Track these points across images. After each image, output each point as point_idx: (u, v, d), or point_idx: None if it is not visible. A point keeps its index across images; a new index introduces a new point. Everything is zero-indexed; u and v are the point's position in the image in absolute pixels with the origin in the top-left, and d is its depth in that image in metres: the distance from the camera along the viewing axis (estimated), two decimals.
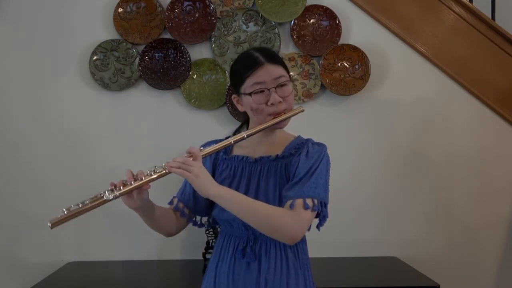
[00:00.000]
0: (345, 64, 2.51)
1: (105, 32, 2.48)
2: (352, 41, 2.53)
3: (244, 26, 2.51)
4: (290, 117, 1.42)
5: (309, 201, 1.30)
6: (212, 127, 2.51)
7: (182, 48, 2.48)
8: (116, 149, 2.50)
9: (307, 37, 2.52)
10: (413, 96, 2.57)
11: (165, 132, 2.51)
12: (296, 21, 2.51)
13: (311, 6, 2.52)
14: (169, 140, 2.51)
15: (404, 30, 2.56)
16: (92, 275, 2.32)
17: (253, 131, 1.39)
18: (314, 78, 2.51)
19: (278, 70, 1.39)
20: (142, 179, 1.30)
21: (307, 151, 1.39)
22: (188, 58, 2.48)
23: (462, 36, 2.58)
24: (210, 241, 2.44)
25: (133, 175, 1.31)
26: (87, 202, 1.28)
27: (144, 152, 2.50)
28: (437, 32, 2.57)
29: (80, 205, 1.28)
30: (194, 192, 1.46)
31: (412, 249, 2.57)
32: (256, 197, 1.37)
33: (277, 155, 1.43)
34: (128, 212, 1.39)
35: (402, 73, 2.57)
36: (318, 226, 1.40)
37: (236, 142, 1.39)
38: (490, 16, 2.82)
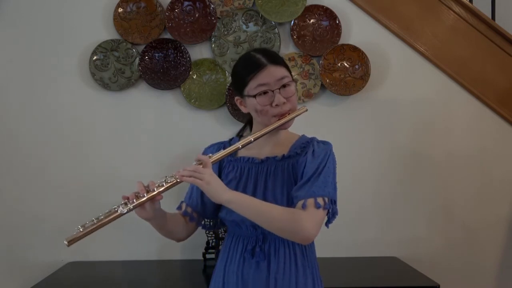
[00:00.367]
0: (345, 64, 2.51)
1: (105, 32, 2.48)
2: (352, 41, 2.53)
3: (244, 26, 2.51)
4: (295, 117, 1.43)
5: (320, 200, 1.32)
6: (212, 127, 2.51)
7: (182, 48, 2.48)
8: (116, 149, 2.50)
9: (307, 37, 2.52)
10: (413, 96, 2.57)
11: (165, 132, 2.51)
12: (296, 21, 2.51)
13: (311, 6, 2.52)
14: (169, 140, 2.51)
15: (404, 30, 2.56)
16: (92, 275, 2.33)
17: (259, 134, 1.41)
18: (314, 78, 2.51)
19: (281, 71, 1.40)
20: (154, 190, 1.30)
21: (313, 150, 1.40)
22: (188, 58, 2.48)
23: (462, 36, 2.58)
24: (210, 241, 2.45)
25: (144, 187, 1.31)
26: (102, 217, 1.28)
27: (144, 152, 2.50)
28: (437, 32, 2.57)
29: (95, 221, 1.27)
30: (202, 196, 1.48)
31: (412, 249, 2.57)
32: (264, 197, 1.38)
33: (283, 155, 1.44)
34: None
35: (402, 73, 2.57)
36: (327, 224, 1.41)
37: (244, 146, 1.40)
38: (490, 16, 2.82)
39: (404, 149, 2.57)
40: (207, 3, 2.47)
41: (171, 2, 2.47)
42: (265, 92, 1.38)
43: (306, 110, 1.46)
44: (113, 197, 2.36)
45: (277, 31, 2.51)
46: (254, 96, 1.38)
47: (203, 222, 1.55)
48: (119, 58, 2.47)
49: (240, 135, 1.58)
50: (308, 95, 2.50)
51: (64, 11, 2.48)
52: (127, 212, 1.28)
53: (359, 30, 2.55)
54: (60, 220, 2.45)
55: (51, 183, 2.47)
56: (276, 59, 1.42)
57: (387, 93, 2.57)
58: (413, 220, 2.58)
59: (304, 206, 1.31)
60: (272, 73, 1.38)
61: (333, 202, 1.36)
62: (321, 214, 1.33)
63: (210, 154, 1.39)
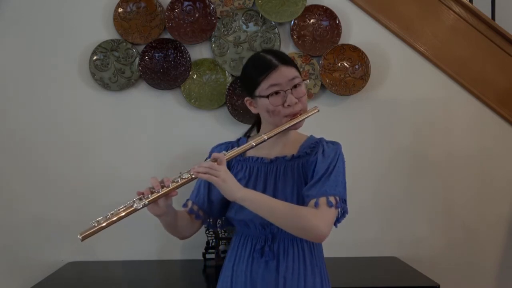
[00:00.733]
0: (345, 64, 2.51)
1: (105, 32, 2.48)
2: (352, 41, 2.53)
3: (244, 26, 2.51)
4: (306, 117, 1.45)
5: (332, 199, 1.34)
6: (212, 127, 2.51)
7: (182, 48, 2.48)
8: (116, 149, 2.50)
9: (307, 37, 2.52)
10: (413, 96, 2.57)
11: (165, 132, 2.51)
12: (296, 21, 2.51)
13: (311, 6, 2.52)
14: (169, 140, 2.51)
15: (404, 30, 2.56)
16: (92, 275, 2.33)
17: (273, 133, 1.41)
18: (314, 78, 2.51)
19: (292, 72, 1.42)
20: (169, 186, 1.30)
21: (323, 150, 1.42)
22: (188, 58, 2.48)
23: (462, 36, 2.58)
24: (210, 241, 2.45)
25: (159, 182, 1.31)
26: (117, 212, 1.28)
27: (144, 152, 2.50)
28: (437, 32, 2.57)
29: (109, 216, 1.27)
30: (209, 194, 1.49)
31: (412, 249, 2.57)
32: (274, 197, 1.38)
33: (293, 155, 1.45)
34: None
35: (402, 73, 2.57)
36: (335, 223, 1.41)
37: (257, 144, 1.40)
38: (490, 16, 2.82)
39: (404, 149, 2.57)
40: (207, 3, 2.47)
41: (171, 2, 2.47)
42: (277, 93, 1.39)
43: (318, 111, 1.48)
44: (113, 197, 2.38)
45: (277, 31, 2.51)
46: (267, 97, 1.40)
47: (209, 220, 1.55)
48: (119, 58, 2.47)
49: (247, 136, 1.58)
50: (308, 95, 2.49)
51: (64, 11, 2.48)
52: (142, 207, 1.28)
53: (359, 30, 2.55)
54: (60, 220, 2.45)
55: (51, 183, 2.47)
56: (287, 60, 1.44)
57: (387, 93, 2.57)
58: (413, 220, 2.58)
59: (316, 205, 1.32)
60: (283, 74, 1.40)
61: (343, 201, 1.38)
62: (333, 213, 1.35)
63: (225, 152, 1.39)
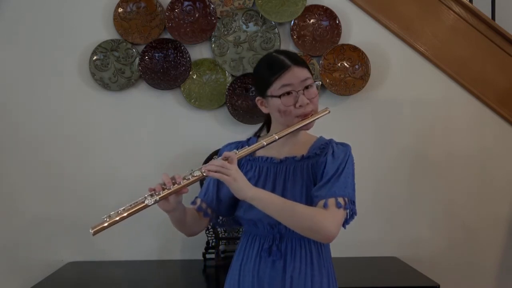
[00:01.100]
0: (345, 64, 2.51)
1: (105, 32, 2.48)
2: (352, 41, 2.53)
3: (244, 26, 2.51)
4: (317, 118, 1.45)
5: (341, 200, 1.34)
6: (212, 127, 2.51)
7: (182, 48, 2.48)
8: (116, 149, 2.50)
9: (307, 37, 2.52)
10: (413, 96, 2.57)
11: (165, 132, 2.51)
12: (296, 21, 2.51)
13: (311, 6, 2.52)
14: (169, 140, 2.51)
15: (404, 30, 2.55)
16: (92, 275, 2.33)
17: (284, 133, 1.42)
18: (314, 78, 2.49)
19: (304, 72, 1.42)
20: (180, 183, 1.31)
21: (333, 151, 1.42)
22: (188, 58, 2.48)
23: (462, 36, 2.58)
24: (210, 241, 2.45)
25: (170, 179, 1.32)
26: (128, 207, 1.29)
27: (144, 152, 2.50)
28: (437, 32, 2.57)
29: (120, 211, 1.28)
30: (218, 192, 1.49)
31: (412, 249, 2.57)
32: (283, 197, 1.39)
33: (303, 155, 1.46)
34: None
35: (402, 73, 2.57)
36: (344, 225, 1.42)
37: (268, 144, 1.41)
38: (490, 16, 2.82)
39: (404, 149, 2.57)
40: (207, 3, 2.47)
41: (171, 2, 2.47)
42: (289, 93, 1.40)
43: (329, 112, 1.49)
44: (113, 196, 2.39)
45: (277, 31, 2.51)
46: (279, 97, 1.40)
47: (219, 220, 1.55)
48: (119, 58, 2.47)
49: (257, 135, 1.59)
50: None
51: (64, 11, 2.48)
52: (154, 203, 1.29)
53: (359, 30, 2.55)
54: (60, 220, 2.46)
55: (51, 183, 2.47)
56: (300, 61, 1.44)
57: (387, 93, 2.57)
58: (413, 220, 2.58)
59: (325, 206, 1.33)
60: (296, 74, 1.40)
61: (352, 202, 1.39)
62: (342, 214, 1.35)
63: (236, 151, 1.40)
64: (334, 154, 1.41)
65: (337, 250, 2.48)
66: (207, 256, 2.44)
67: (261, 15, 2.49)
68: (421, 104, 2.57)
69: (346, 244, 2.54)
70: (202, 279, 2.33)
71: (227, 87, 2.49)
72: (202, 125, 2.51)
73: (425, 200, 2.58)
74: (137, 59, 2.46)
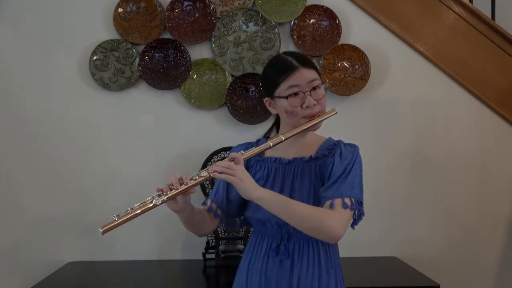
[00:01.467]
0: (345, 64, 2.51)
1: (105, 32, 2.48)
2: (352, 41, 2.53)
3: (244, 26, 2.51)
4: (324, 119, 1.45)
5: (347, 201, 1.35)
6: (212, 127, 2.51)
7: (182, 48, 2.48)
8: (116, 149, 2.50)
9: (307, 37, 2.52)
10: (413, 96, 2.57)
11: (165, 132, 2.51)
12: (296, 21, 2.51)
13: (311, 6, 2.52)
14: (169, 140, 2.51)
15: (404, 30, 2.55)
16: (92, 275, 2.33)
17: (290, 134, 1.42)
18: None
19: (311, 74, 1.42)
20: (187, 184, 1.32)
21: (341, 152, 1.43)
22: (188, 58, 2.48)
23: (462, 36, 2.58)
24: (210, 241, 2.45)
25: (178, 179, 1.33)
26: (137, 207, 1.30)
27: (144, 152, 2.50)
28: (437, 32, 2.57)
29: (129, 211, 1.30)
30: (228, 193, 1.51)
31: (412, 249, 2.56)
32: (291, 197, 1.40)
33: (311, 156, 1.46)
34: None
35: (402, 73, 2.57)
36: (352, 225, 1.42)
37: (275, 145, 1.41)
38: (490, 16, 2.82)
39: (404, 149, 2.57)
40: (207, 3, 2.47)
41: (171, 2, 2.47)
42: (296, 94, 1.41)
43: (336, 113, 1.49)
44: (113, 196, 2.39)
45: (277, 31, 2.51)
46: (286, 97, 1.41)
47: (236, 220, 1.57)
48: (119, 58, 2.47)
49: (267, 136, 1.59)
50: None
51: (64, 11, 2.48)
52: (161, 203, 1.31)
53: (359, 30, 2.55)
54: (60, 220, 2.46)
55: (51, 183, 2.47)
56: (307, 62, 1.44)
57: (387, 93, 2.57)
58: (413, 220, 2.58)
59: (331, 206, 1.33)
60: (303, 75, 1.40)
61: (359, 203, 1.39)
62: (348, 214, 1.35)
63: (242, 152, 1.41)
64: (341, 155, 1.42)
65: None
66: (207, 256, 2.44)
67: (261, 15, 2.49)
68: (421, 104, 2.57)
69: (346, 244, 2.53)
70: (202, 279, 2.33)
71: (227, 87, 2.49)
72: (202, 125, 2.51)
73: (425, 200, 2.58)
74: (137, 59, 2.46)
